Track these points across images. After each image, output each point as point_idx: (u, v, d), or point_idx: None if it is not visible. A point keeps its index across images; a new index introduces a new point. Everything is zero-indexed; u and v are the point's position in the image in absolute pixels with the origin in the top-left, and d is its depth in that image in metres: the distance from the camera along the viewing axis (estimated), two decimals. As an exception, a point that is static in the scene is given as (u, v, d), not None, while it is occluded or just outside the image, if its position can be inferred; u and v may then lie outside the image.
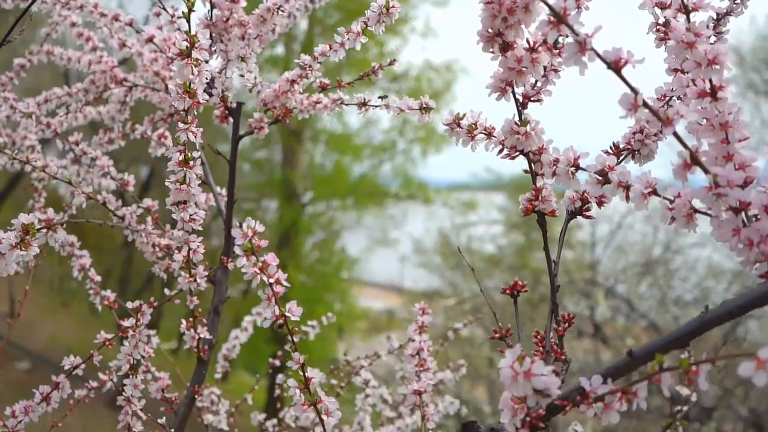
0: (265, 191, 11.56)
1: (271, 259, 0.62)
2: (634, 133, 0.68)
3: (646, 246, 7.76)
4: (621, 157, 0.68)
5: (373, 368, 1.51)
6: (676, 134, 0.50)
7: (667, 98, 0.68)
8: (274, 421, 1.37)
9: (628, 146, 0.68)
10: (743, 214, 0.51)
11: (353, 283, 11.86)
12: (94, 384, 1.09)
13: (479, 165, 10.28)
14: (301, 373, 0.64)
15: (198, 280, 0.89)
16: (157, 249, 1.00)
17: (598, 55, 0.50)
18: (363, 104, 0.94)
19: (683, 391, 1.14)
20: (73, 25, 1.19)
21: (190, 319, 0.95)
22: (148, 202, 1.04)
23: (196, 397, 0.97)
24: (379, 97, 0.97)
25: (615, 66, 0.50)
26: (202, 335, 0.96)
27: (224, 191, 1.07)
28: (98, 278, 1.09)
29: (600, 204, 0.67)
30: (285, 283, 0.62)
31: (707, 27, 0.70)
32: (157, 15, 1.10)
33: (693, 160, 0.51)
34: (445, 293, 8.81)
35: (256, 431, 1.58)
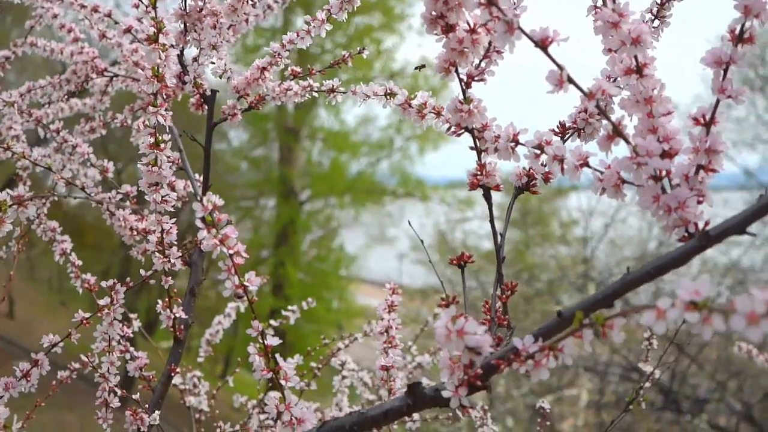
0: (263, 189, 11.60)
1: (231, 231, 0.65)
2: (579, 112, 0.71)
3: (641, 240, 7.80)
4: (567, 135, 0.72)
5: (360, 356, 1.54)
6: (599, 107, 0.54)
7: (611, 79, 0.71)
8: (254, 402, 1.40)
9: (574, 125, 0.72)
10: (663, 182, 0.54)
11: (351, 280, 11.88)
12: (76, 365, 1.12)
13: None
14: (261, 341, 0.67)
15: (172, 261, 0.92)
16: (135, 233, 1.04)
17: (526, 34, 0.53)
18: (332, 90, 0.98)
19: (645, 368, 1.17)
20: (55, 16, 1.22)
21: (166, 299, 0.98)
22: (126, 187, 1.08)
23: (173, 374, 1.00)
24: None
25: (542, 44, 0.53)
26: (177, 315, 0.99)
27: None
28: (79, 262, 1.12)
29: (546, 180, 0.70)
30: (244, 255, 0.66)
31: (650, 11, 0.74)
32: (136, 6, 1.13)
33: (615, 131, 0.54)
34: (440, 290, 8.81)
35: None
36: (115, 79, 1.24)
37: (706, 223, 0.53)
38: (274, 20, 9.39)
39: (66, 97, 1.24)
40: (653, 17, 0.74)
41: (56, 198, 0.98)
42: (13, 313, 8.64)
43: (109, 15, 1.12)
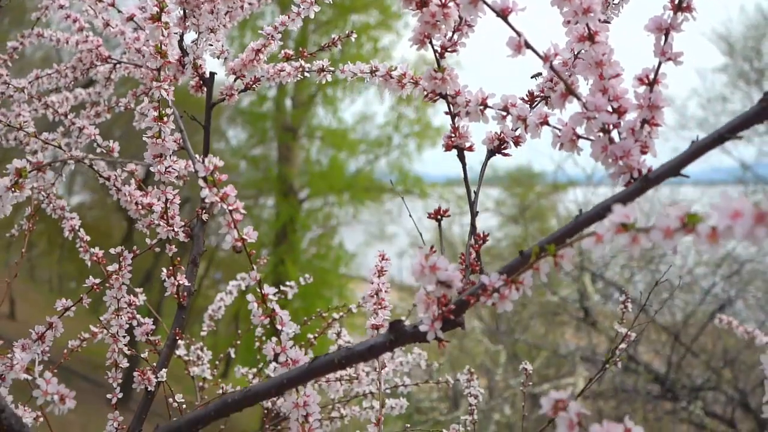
0: (262, 188, 11.66)
1: (230, 190, 0.72)
2: (545, 82, 0.78)
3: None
4: (535, 103, 0.79)
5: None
6: (552, 68, 0.61)
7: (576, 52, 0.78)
8: (254, 370, 1.47)
9: (542, 93, 0.79)
10: (612, 135, 0.61)
11: (351, 278, 11.94)
12: (86, 335, 1.19)
13: (475, 159, 10.35)
14: (258, 290, 0.74)
15: (176, 229, 0.99)
16: (140, 207, 1.11)
17: (488, 5, 0.60)
18: (321, 70, 1.05)
19: (620, 329, 1.24)
20: (61, 7, 1.29)
21: (170, 267, 1.05)
22: (131, 166, 1.15)
23: (177, 338, 1.07)
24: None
25: (503, 14, 0.61)
26: (181, 282, 1.06)
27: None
28: (87, 237, 1.19)
29: (516, 143, 0.77)
30: (242, 211, 0.73)
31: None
32: (138, -4, 1.20)
33: (568, 90, 0.61)
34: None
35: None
36: (118, 66, 1.31)
37: (649, 170, 0.60)
38: (271, 19, 9.44)
39: (72, 84, 1.30)
40: (613, -5, 0.81)
41: (71, 165, 1.04)
42: (14, 314, 8.71)
43: (112, 4, 1.19)
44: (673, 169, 0.57)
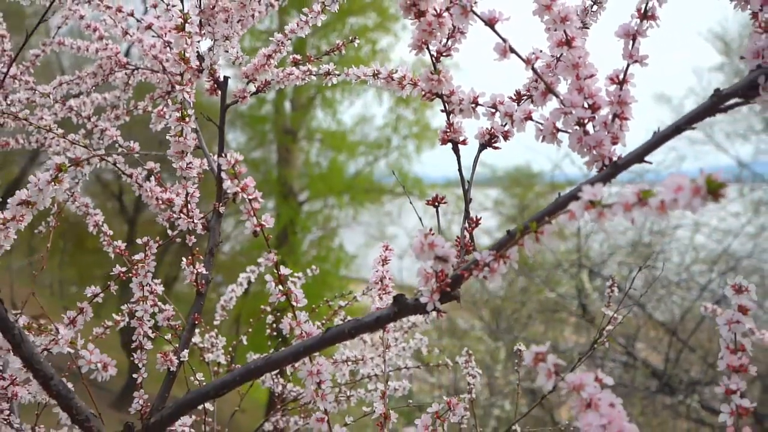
0: (262, 190, 11.71)
1: (250, 181, 0.81)
2: (530, 83, 0.87)
3: (636, 230, 7.98)
4: (522, 101, 0.87)
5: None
6: (534, 70, 0.70)
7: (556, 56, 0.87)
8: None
9: (528, 92, 0.87)
10: (587, 128, 0.70)
11: (351, 279, 12.01)
12: (109, 323, 1.28)
13: (471, 155, 10.44)
14: (276, 271, 0.83)
15: (196, 221, 1.08)
16: (160, 202, 1.19)
17: (477, 15, 0.69)
18: (328, 73, 1.14)
19: (608, 311, 1.33)
20: (82, 17, 1.38)
21: (189, 257, 1.14)
22: (150, 164, 1.24)
23: (196, 323, 1.16)
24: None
25: (490, 23, 0.69)
26: (199, 271, 1.15)
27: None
28: (110, 232, 1.28)
29: (505, 138, 0.86)
30: (260, 200, 0.82)
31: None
32: (155, 6, 1.29)
33: (548, 89, 0.70)
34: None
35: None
36: (135, 71, 1.40)
37: (618, 158, 0.69)
38: (270, 22, 9.55)
39: (92, 89, 1.39)
40: (592, 2, 0.90)
41: (106, 162, 1.13)
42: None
43: (131, 14, 1.28)
44: (638, 157, 0.66)
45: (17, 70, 1.39)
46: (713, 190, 0.46)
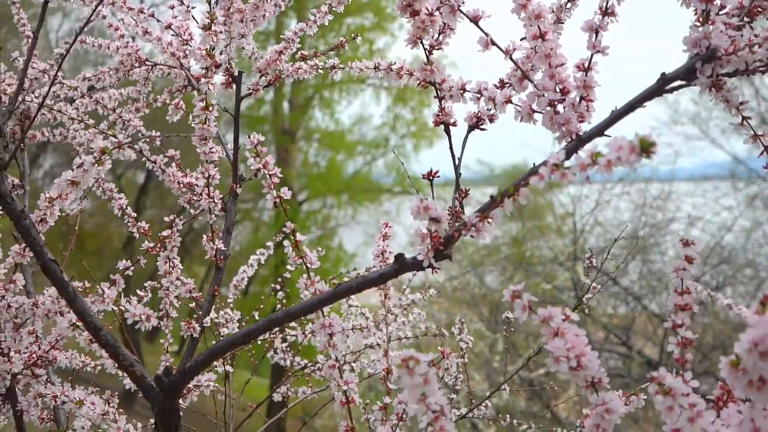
0: (261, 191, 11.87)
1: (270, 159, 0.94)
2: (511, 71, 0.99)
3: (632, 224, 8.12)
4: (505, 87, 1.00)
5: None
6: (512, 59, 0.82)
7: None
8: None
9: (509, 80, 1.00)
10: (556, 108, 0.83)
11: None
12: (135, 296, 1.40)
13: (471, 158, 10.60)
14: (293, 237, 0.96)
15: (216, 201, 1.21)
16: (181, 186, 1.32)
17: (463, 13, 0.82)
18: (333, 68, 1.26)
19: (586, 280, 1.45)
20: (104, 17, 1.50)
21: (209, 234, 1.26)
22: (171, 152, 1.36)
23: (216, 294, 1.28)
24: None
25: (474, 20, 0.82)
26: (218, 247, 1.27)
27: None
28: (134, 214, 1.41)
29: (491, 120, 0.98)
30: (279, 175, 0.94)
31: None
32: (172, 7, 1.41)
33: (524, 75, 0.83)
34: (439, 285, 9.11)
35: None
36: (154, 67, 1.52)
37: (584, 134, 0.81)
38: (268, 23, 9.67)
39: (114, 83, 1.52)
40: (566, 0, 1.02)
41: (139, 149, 1.25)
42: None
43: (152, 15, 1.40)
44: (598, 132, 0.78)
45: (47, 66, 1.51)
46: (645, 148, 0.59)
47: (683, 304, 0.81)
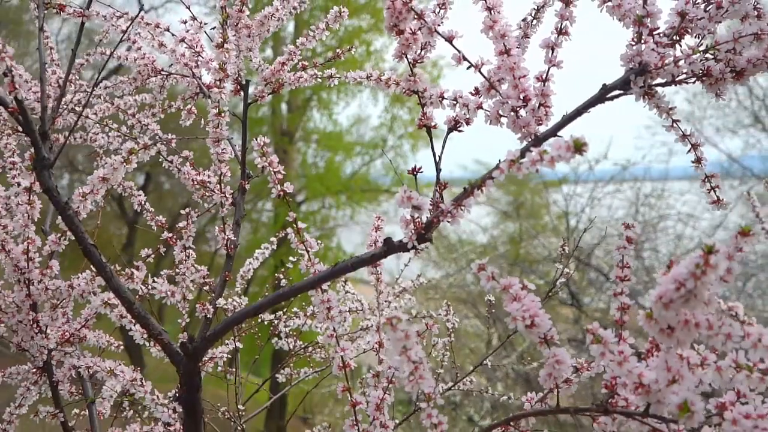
0: (260, 192, 12.04)
1: (275, 158, 1.09)
2: (482, 82, 1.14)
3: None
4: (478, 96, 1.15)
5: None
6: (480, 72, 0.98)
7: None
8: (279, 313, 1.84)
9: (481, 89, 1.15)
10: (518, 113, 0.98)
11: (350, 279, 12.24)
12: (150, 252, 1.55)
13: (469, 158, 10.76)
14: (295, 225, 1.11)
15: (227, 196, 1.36)
16: (195, 182, 1.47)
17: (439, 34, 0.97)
18: (331, 76, 1.42)
19: (558, 265, 1.61)
20: (123, 32, 1.65)
21: (221, 225, 1.42)
22: (186, 152, 1.51)
23: (227, 279, 1.44)
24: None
25: (449, 39, 0.97)
26: (229, 237, 1.43)
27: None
28: (152, 210, 1.56)
29: (467, 123, 1.14)
30: (282, 172, 1.09)
31: (530, 14, 1.18)
32: (184, 22, 1.57)
33: (491, 86, 0.98)
34: (438, 285, 9.21)
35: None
36: (169, 76, 1.67)
37: (540, 135, 0.97)
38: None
39: (133, 91, 1.67)
40: (532, 18, 1.18)
41: (160, 148, 1.40)
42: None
43: (167, 29, 1.56)
44: (552, 133, 0.94)
45: (73, 75, 1.67)
46: (578, 147, 0.74)
47: (623, 276, 0.97)
